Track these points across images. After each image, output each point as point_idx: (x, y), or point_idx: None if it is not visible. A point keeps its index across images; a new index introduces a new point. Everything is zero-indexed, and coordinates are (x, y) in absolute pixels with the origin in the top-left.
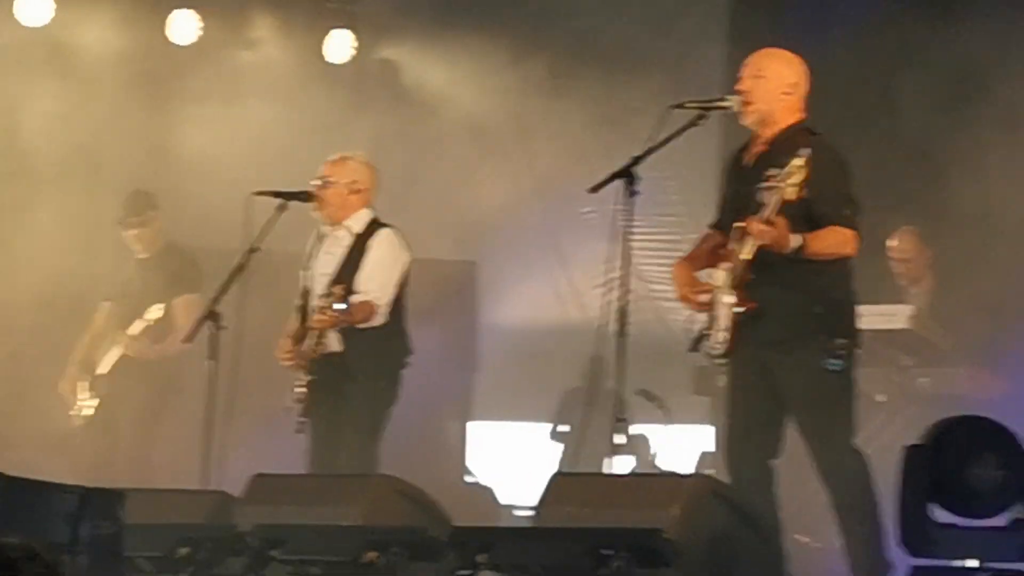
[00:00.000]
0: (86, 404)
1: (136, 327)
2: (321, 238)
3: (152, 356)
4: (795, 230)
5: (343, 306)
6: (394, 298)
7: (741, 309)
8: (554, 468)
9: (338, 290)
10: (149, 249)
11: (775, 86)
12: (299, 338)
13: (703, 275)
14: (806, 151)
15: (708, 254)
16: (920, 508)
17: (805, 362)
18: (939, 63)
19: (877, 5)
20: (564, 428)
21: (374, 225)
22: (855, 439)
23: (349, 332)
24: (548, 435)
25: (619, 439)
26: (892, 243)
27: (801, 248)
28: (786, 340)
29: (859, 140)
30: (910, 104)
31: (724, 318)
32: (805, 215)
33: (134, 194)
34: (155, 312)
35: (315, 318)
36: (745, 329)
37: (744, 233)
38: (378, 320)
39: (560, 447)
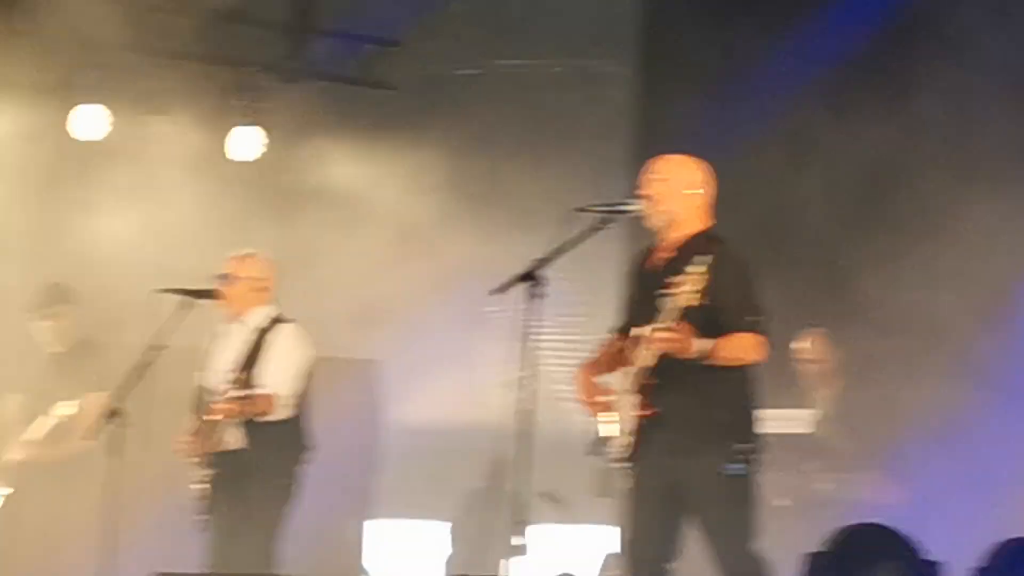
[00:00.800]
0: None
1: (40, 425)
2: (217, 337)
3: (48, 460)
4: (703, 336)
5: (242, 393)
6: (297, 393)
7: (644, 414)
8: (452, 570)
9: (242, 376)
10: (63, 343)
11: (679, 187)
12: (198, 435)
13: (605, 379)
14: (705, 259)
15: (611, 358)
16: None
17: (708, 467)
18: (847, 161)
19: (781, 104)
20: (466, 528)
21: (276, 321)
22: (756, 544)
23: (251, 429)
24: (448, 534)
25: (519, 540)
26: (800, 345)
27: (709, 354)
28: (688, 446)
29: (767, 242)
30: (818, 205)
31: (627, 422)
32: (711, 323)
33: (49, 286)
34: (65, 409)
35: (216, 406)
36: (647, 434)
37: (644, 340)
38: (280, 414)
39: (462, 547)
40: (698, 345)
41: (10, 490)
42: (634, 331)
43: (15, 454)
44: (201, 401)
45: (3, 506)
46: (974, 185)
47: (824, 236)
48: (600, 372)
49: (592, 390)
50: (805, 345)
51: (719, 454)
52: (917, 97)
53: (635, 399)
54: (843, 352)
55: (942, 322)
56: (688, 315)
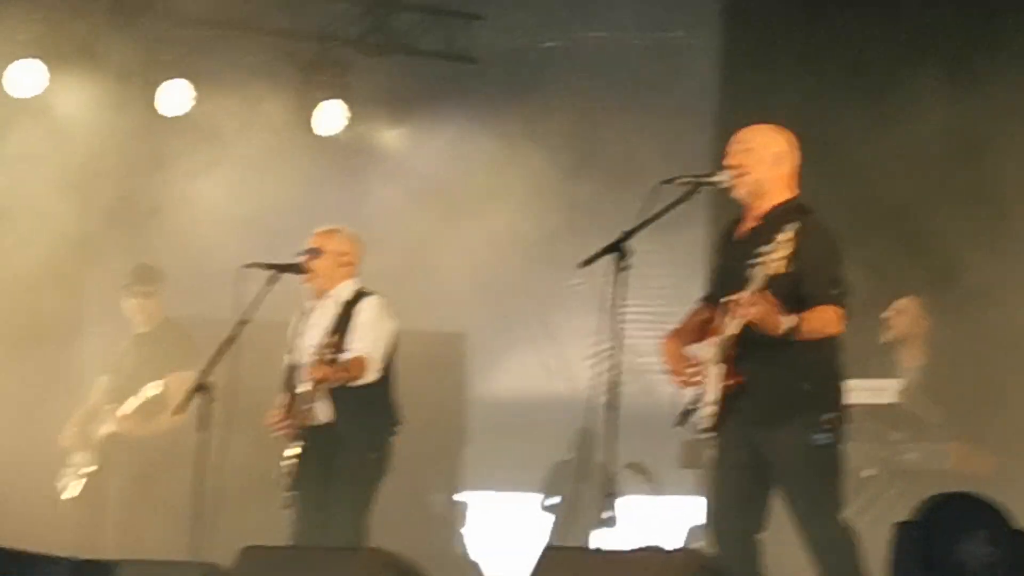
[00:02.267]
0: (80, 472)
1: (130, 404)
2: (304, 314)
3: (142, 434)
4: (784, 309)
5: (333, 357)
6: (386, 361)
7: (727, 384)
8: (544, 540)
9: (334, 339)
10: (149, 323)
11: (765, 157)
12: (289, 410)
13: (692, 349)
14: (793, 226)
15: (698, 328)
16: None
17: (792, 437)
18: (936, 127)
19: (865, 72)
20: (554, 500)
21: (361, 294)
22: (843, 514)
23: (339, 403)
24: (538, 507)
25: (608, 512)
26: (890, 313)
27: (793, 330)
28: (773, 416)
29: (855, 210)
30: (906, 171)
31: (712, 393)
32: (793, 293)
33: (140, 266)
34: (152, 389)
35: (311, 370)
36: (732, 404)
37: (732, 308)
38: (371, 376)
39: (550, 519)
40: (787, 320)
41: (95, 466)
42: (721, 301)
43: (104, 430)
44: (290, 378)
45: (90, 482)
46: None
47: (914, 203)
48: (687, 342)
49: (679, 359)
50: (895, 313)
51: (804, 424)
52: (1008, 64)
53: (721, 369)
54: (932, 321)
55: None
56: (774, 283)
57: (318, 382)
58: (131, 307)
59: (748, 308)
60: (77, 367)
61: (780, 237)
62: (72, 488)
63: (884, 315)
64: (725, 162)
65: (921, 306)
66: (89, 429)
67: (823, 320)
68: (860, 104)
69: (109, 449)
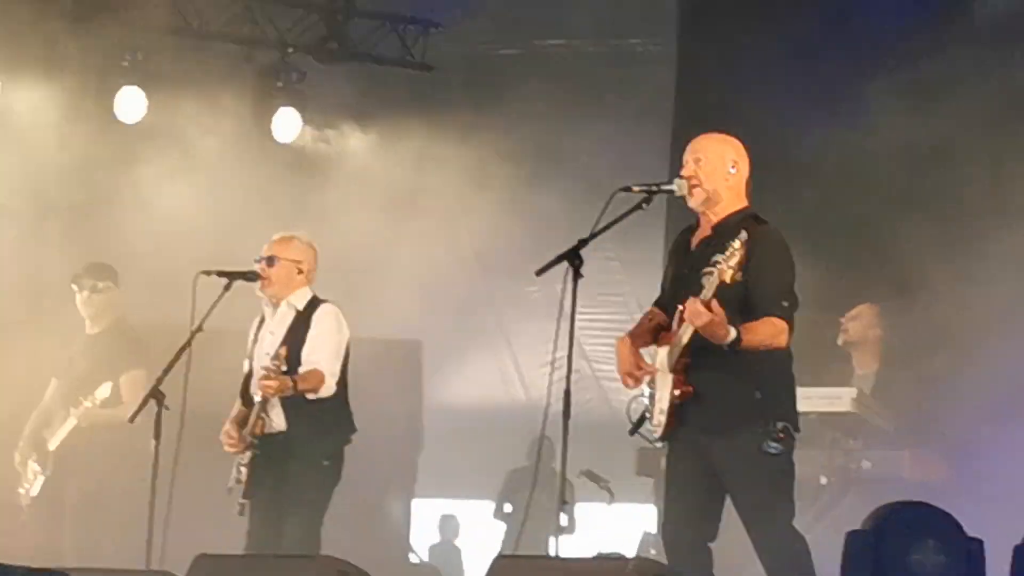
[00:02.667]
0: (35, 481)
1: (82, 409)
2: (262, 322)
3: (104, 420)
4: (732, 319)
5: (287, 369)
6: (339, 373)
7: (677, 393)
8: (498, 548)
9: (283, 351)
10: (99, 322)
11: (718, 167)
12: (243, 424)
13: (646, 354)
14: (744, 235)
15: (651, 332)
16: None
17: (743, 446)
18: (895, 139)
19: (823, 81)
20: (508, 508)
21: (315, 301)
22: (794, 521)
23: (292, 411)
24: (492, 514)
25: (564, 520)
26: (845, 319)
27: (736, 342)
28: (724, 425)
29: (811, 220)
30: (864, 182)
31: (662, 401)
32: (741, 303)
33: (93, 263)
34: (103, 391)
35: (262, 383)
36: (683, 413)
37: (681, 317)
38: (326, 391)
39: (504, 527)
40: (730, 332)
41: (48, 473)
42: (675, 310)
43: (57, 437)
44: (248, 385)
45: (44, 490)
46: None
47: (871, 211)
48: (640, 345)
49: (634, 362)
50: (849, 319)
51: (755, 433)
52: (968, 78)
53: (672, 377)
54: (887, 329)
55: (991, 299)
56: (722, 292)
57: (276, 393)
58: (81, 301)
59: (694, 318)
60: (34, 370)
61: (732, 244)
62: (32, 490)
63: (840, 320)
64: (680, 172)
65: (876, 313)
66: (42, 435)
67: (768, 333)
68: (817, 111)
69: (64, 456)
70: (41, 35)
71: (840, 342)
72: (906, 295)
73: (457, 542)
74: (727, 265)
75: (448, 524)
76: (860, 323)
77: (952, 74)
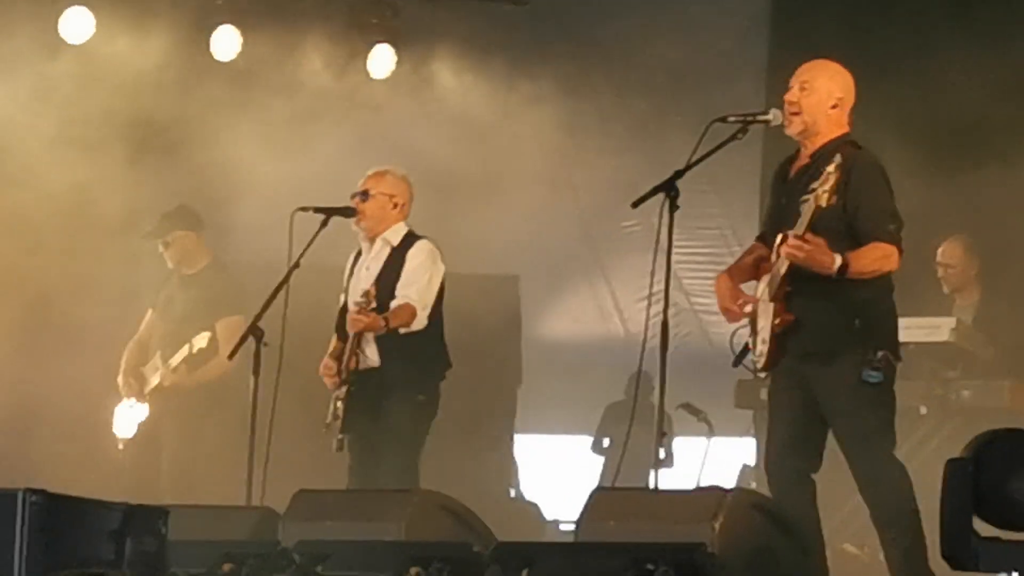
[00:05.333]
0: (137, 410)
1: (179, 356)
2: (359, 257)
3: (189, 385)
4: (837, 246)
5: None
6: (432, 308)
7: (777, 321)
8: (596, 482)
9: (372, 289)
10: (193, 264)
11: (822, 99)
12: (341, 358)
13: (747, 287)
14: (836, 159)
15: (752, 266)
16: (962, 522)
17: (844, 374)
18: (998, 63)
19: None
20: (606, 442)
21: (410, 237)
22: (894, 451)
23: (387, 346)
24: (590, 448)
25: (662, 453)
26: (940, 251)
27: (844, 268)
28: (825, 353)
29: (909, 147)
30: (961, 110)
31: (764, 331)
32: (847, 230)
33: (181, 206)
34: (200, 342)
35: (351, 318)
36: (785, 342)
37: (779, 249)
38: (417, 325)
39: (602, 460)
40: (836, 260)
41: (146, 414)
42: (777, 239)
43: (154, 380)
44: (343, 321)
45: (142, 430)
46: None
47: (969, 142)
48: (741, 280)
49: (733, 297)
50: (945, 251)
51: (856, 361)
52: None
53: (772, 307)
54: (984, 259)
55: None
56: (824, 219)
57: (368, 329)
58: (177, 242)
59: (795, 252)
60: (130, 295)
61: (827, 169)
62: (127, 429)
63: (937, 251)
64: (785, 96)
65: (972, 246)
66: (140, 371)
67: (875, 257)
68: (911, 40)
69: (161, 395)
70: None
71: (940, 275)
72: (1004, 227)
73: (556, 476)
74: (822, 190)
75: (547, 458)
76: (956, 256)
77: None
